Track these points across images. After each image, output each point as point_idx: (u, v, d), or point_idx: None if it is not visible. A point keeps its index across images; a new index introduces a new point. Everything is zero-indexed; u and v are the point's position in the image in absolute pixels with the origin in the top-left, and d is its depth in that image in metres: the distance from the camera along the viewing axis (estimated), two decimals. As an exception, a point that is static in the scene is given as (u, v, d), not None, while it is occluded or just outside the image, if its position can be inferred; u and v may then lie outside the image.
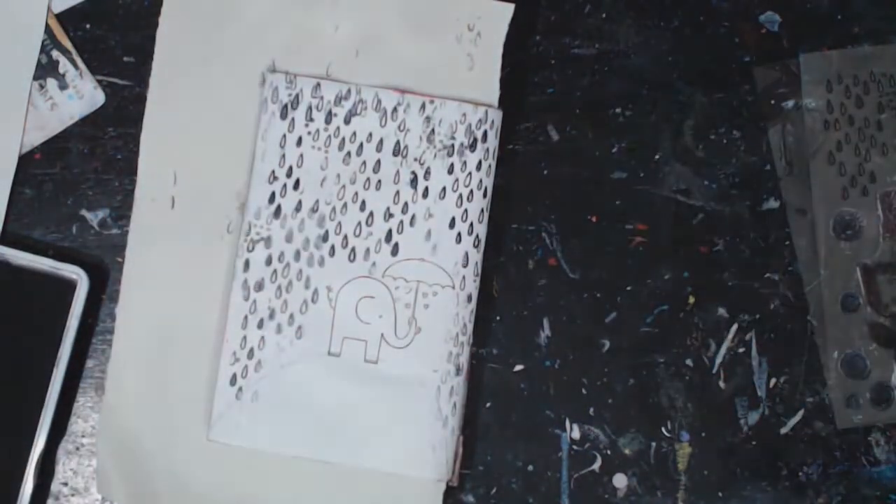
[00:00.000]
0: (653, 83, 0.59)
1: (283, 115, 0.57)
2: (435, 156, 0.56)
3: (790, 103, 0.59)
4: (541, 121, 0.59)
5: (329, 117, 0.57)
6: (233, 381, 0.56)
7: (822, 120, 0.59)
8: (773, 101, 0.59)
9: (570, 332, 0.59)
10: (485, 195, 0.57)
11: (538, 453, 0.58)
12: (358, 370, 0.56)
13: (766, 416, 0.58)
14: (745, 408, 0.58)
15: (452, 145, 0.56)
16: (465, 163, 0.56)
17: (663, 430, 0.58)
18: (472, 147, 0.56)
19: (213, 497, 0.57)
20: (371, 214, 0.56)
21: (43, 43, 0.58)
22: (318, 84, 0.57)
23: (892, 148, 0.59)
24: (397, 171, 0.56)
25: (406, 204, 0.56)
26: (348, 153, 0.57)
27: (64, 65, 0.58)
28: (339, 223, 0.56)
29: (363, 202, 0.56)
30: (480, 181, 0.56)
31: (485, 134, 0.56)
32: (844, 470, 0.58)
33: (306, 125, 0.57)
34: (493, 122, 0.56)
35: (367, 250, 0.56)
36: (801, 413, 0.58)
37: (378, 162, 0.57)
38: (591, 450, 0.58)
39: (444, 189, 0.56)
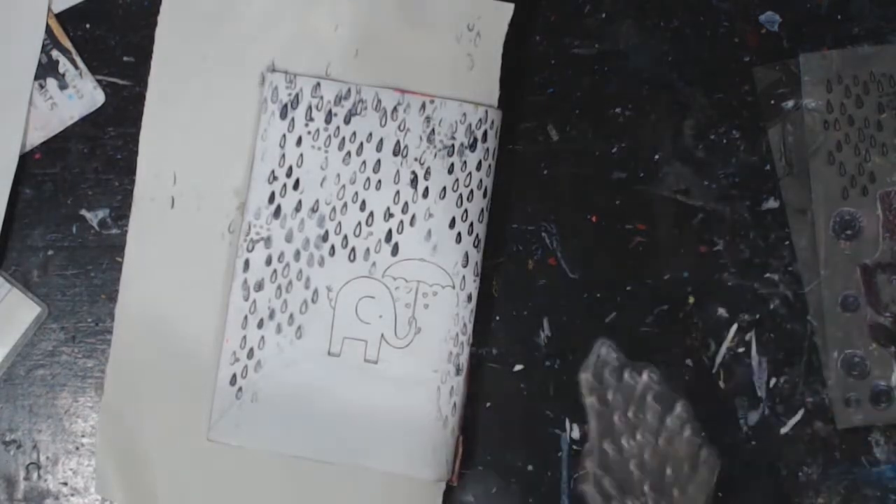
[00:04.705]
0: (653, 83, 0.59)
1: (283, 115, 0.57)
2: (435, 156, 0.56)
3: (790, 103, 0.59)
4: (541, 121, 0.59)
5: (329, 117, 0.57)
6: (233, 381, 0.56)
7: (821, 120, 0.59)
8: (773, 101, 0.59)
9: (570, 332, 0.59)
10: (485, 195, 0.57)
11: (538, 453, 0.58)
12: (358, 370, 0.56)
13: (766, 416, 0.58)
14: (745, 408, 0.58)
15: (452, 145, 0.56)
16: (465, 163, 0.56)
17: (663, 430, 0.58)
18: (472, 147, 0.56)
19: (213, 497, 0.57)
20: (371, 214, 0.56)
21: (43, 43, 0.58)
22: (318, 84, 0.57)
23: (892, 148, 0.59)
24: (397, 171, 0.56)
25: (406, 204, 0.56)
26: (348, 153, 0.57)
27: (64, 65, 0.58)
28: (339, 223, 0.56)
29: (363, 202, 0.56)
30: (480, 181, 0.56)
31: (485, 134, 0.56)
32: (844, 470, 0.58)
33: (306, 125, 0.57)
34: (493, 122, 0.56)
35: (367, 250, 0.56)
36: (801, 413, 0.58)
37: (378, 162, 0.57)
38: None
39: (444, 189, 0.56)
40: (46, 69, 0.58)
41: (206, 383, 0.57)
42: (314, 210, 0.56)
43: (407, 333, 0.56)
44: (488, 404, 0.58)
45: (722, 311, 0.59)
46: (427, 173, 0.56)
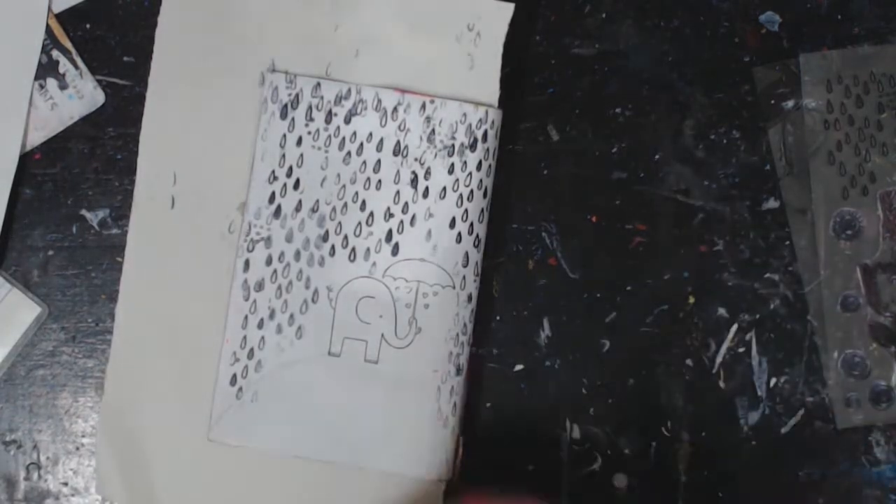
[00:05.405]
0: (653, 83, 0.59)
1: (283, 115, 0.57)
2: (435, 156, 0.56)
3: (790, 103, 0.59)
4: (541, 121, 0.59)
5: (329, 117, 0.57)
6: (233, 381, 0.56)
7: (822, 120, 0.59)
8: (773, 101, 0.59)
9: (570, 332, 0.59)
10: (485, 195, 0.57)
11: (538, 453, 0.58)
12: (358, 370, 0.56)
13: (766, 416, 0.58)
14: (745, 408, 0.58)
15: (452, 145, 0.56)
16: (465, 163, 0.56)
17: (663, 430, 0.58)
18: (473, 147, 0.56)
19: (213, 497, 0.57)
20: (371, 214, 0.56)
21: (43, 43, 0.58)
22: (318, 84, 0.57)
23: (892, 148, 0.59)
24: (397, 171, 0.56)
25: (406, 204, 0.56)
26: (348, 153, 0.57)
27: (64, 65, 0.58)
28: (340, 223, 0.56)
29: (363, 202, 0.56)
30: (481, 181, 0.56)
31: (485, 134, 0.56)
32: (844, 470, 0.58)
33: (306, 125, 0.57)
34: (493, 122, 0.56)
35: (368, 250, 0.56)
36: (801, 413, 0.58)
37: (378, 162, 0.57)
38: (591, 450, 0.58)
39: (444, 189, 0.56)
40: (46, 69, 0.58)
41: (206, 383, 0.57)
42: (314, 210, 0.56)
43: (407, 333, 0.56)
44: (488, 404, 0.58)
45: (722, 311, 0.59)
46: (427, 173, 0.56)
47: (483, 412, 0.58)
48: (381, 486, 0.56)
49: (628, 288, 0.59)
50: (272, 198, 0.56)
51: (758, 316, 0.59)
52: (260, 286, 0.56)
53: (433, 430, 0.56)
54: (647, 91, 0.59)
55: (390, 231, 0.56)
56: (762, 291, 0.59)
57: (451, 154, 0.56)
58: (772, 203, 0.59)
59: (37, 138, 0.58)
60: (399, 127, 0.57)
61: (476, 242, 0.56)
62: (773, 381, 0.59)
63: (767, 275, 0.59)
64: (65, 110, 0.58)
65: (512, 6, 0.57)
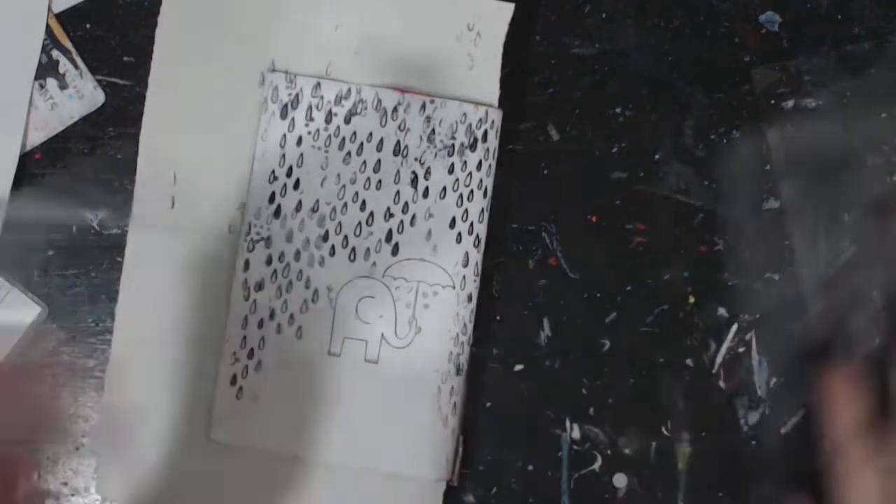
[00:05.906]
0: (653, 83, 0.59)
1: (283, 115, 0.57)
2: (435, 155, 0.56)
3: (790, 103, 0.59)
4: (541, 121, 0.59)
5: (329, 117, 0.57)
6: (233, 381, 0.56)
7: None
8: (773, 101, 0.59)
9: (570, 332, 0.59)
10: (485, 195, 0.57)
11: (538, 453, 0.58)
12: (358, 370, 0.56)
13: (766, 416, 0.58)
14: (745, 408, 0.58)
15: (453, 145, 0.56)
16: (465, 162, 0.56)
17: (663, 430, 0.58)
18: (473, 147, 0.56)
19: (213, 497, 0.57)
20: (371, 214, 0.56)
21: (43, 43, 0.58)
22: (318, 84, 0.57)
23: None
24: (397, 171, 0.56)
25: (406, 204, 0.56)
26: (348, 153, 0.57)
27: (64, 65, 0.58)
28: (340, 223, 0.56)
29: (363, 202, 0.56)
30: (481, 181, 0.56)
31: (485, 134, 0.56)
32: (844, 470, 0.58)
33: (306, 125, 0.57)
34: (493, 121, 0.56)
35: (368, 250, 0.56)
36: (801, 413, 0.58)
37: (378, 162, 0.57)
38: (591, 450, 0.58)
39: (444, 189, 0.56)
40: (46, 69, 0.58)
41: (206, 383, 0.57)
42: (314, 210, 0.56)
43: (407, 333, 0.56)
44: (488, 404, 0.58)
45: (722, 311, 0.59)
46: (427, 173, 0.56)
47: (483, 412, 0.58)
48: (381, 486, 0.56)
49: (628, 288, 0.59)
50: (272, 198, 0.56)
51: (758, 316, 0.59)
52: (260, 286, 0.56)
53: (433, 430, 0.56)
54: (647, 91, 0.59)
55: (390, 231, 0.56)
56: (762, 291, 0.59)
57: (451, 154, 0.56)
58: (772, 203, 0.59)
59: (37, 138, 0.58)
60: (399, 127, 0.57)
61: (476, 242, 0.56)
62: (773, 381, 0.59)
63: (767, 275, 0.59)
64: (65, 110, 0.58)
65: (512, 6, 0.57)
